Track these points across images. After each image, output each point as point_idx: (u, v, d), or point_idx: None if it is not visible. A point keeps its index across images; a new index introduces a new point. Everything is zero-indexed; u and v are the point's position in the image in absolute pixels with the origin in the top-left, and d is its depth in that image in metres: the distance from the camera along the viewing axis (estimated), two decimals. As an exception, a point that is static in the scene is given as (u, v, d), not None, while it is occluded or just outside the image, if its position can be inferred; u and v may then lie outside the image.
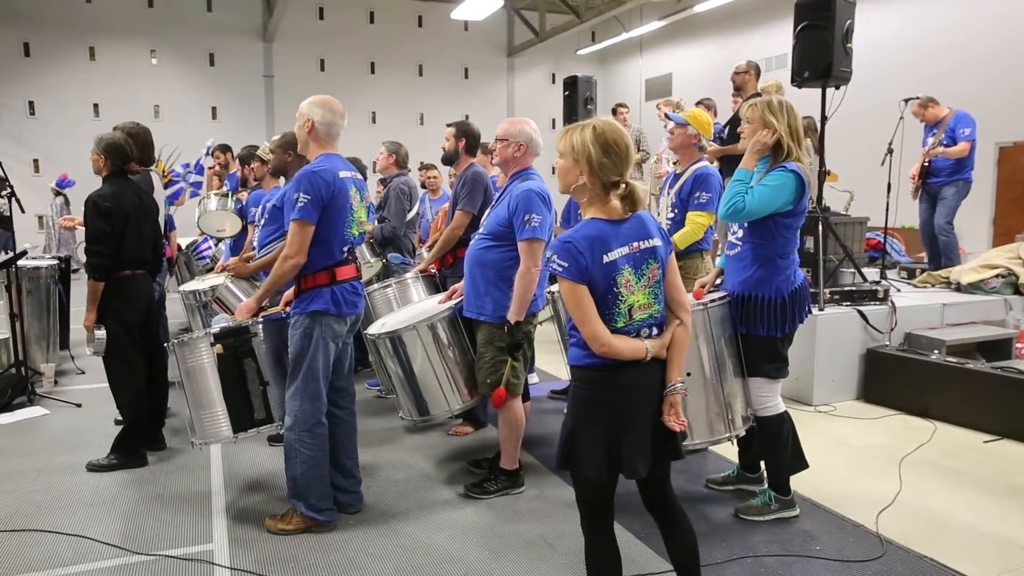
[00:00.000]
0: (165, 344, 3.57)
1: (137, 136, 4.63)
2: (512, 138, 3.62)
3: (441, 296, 4.01)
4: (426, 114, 17.10)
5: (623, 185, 2.21)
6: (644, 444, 2.27)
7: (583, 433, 2.26)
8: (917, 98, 6.67)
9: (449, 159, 4.71)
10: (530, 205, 3.44)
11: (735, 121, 6.18)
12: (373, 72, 16.92)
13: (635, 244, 2.22)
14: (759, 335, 3.23)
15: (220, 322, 3.55)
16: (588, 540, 2.38)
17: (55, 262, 6.39)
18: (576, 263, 2.15)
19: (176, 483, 3.93)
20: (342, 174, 3.24)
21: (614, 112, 9.29)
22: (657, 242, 2.28)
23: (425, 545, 3.20)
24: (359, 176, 3.45)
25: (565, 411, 2.36)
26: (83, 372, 6.25)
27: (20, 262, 5.58)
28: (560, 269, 2.16)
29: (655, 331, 2.29)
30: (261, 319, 3.47)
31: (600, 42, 16.99)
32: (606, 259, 2.17)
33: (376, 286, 4.85)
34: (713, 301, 3.25)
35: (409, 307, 4.34)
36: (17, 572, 3.00)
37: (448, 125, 4.78)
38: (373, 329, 3.85)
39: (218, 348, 3.36)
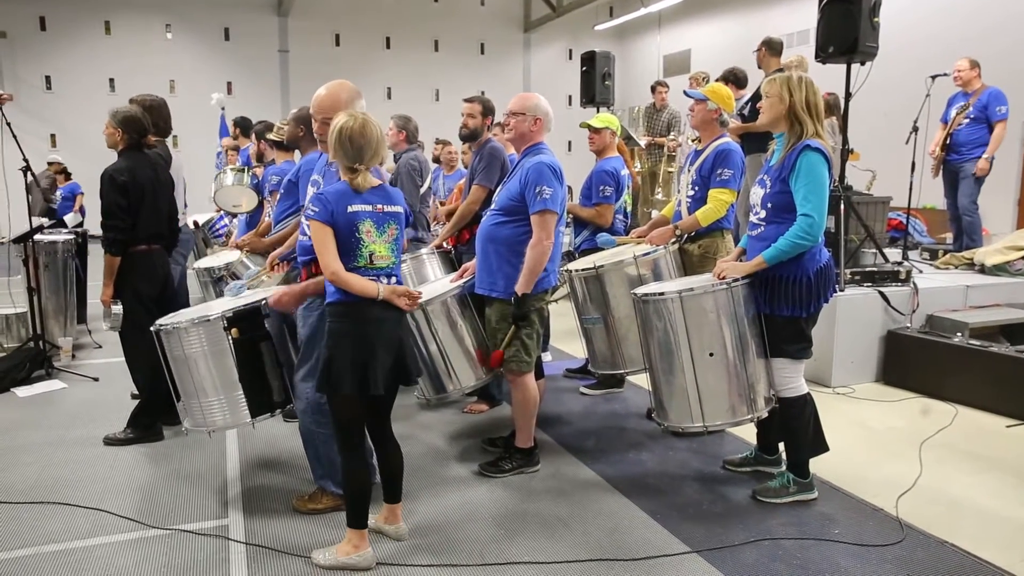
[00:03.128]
0: (151, 329, 3.36)
1: (154, 108, 4.63)
2: (528, 112, 3.57)
3: (453, 275, 3.98)
4: (441, 90, 16.99)
5: (356, 171, 2.72)
6: (384, 367, 2.73)
7: (337, 359, 2.69)
8: (945, 74, 6.49)
9: (475, 135, 4.65)
10: (541, 178, 3.40)
11: (757, 98, 6.07)
12: (388, 47, 16.80)
13: (379, 206, 2.75)
14: (783, 315, 3.17)
15: (234, 290, 3.45)
16: (345, 462, 2.83)
17: (72, 236, 6.41)
18: (325, 209, 2.66)
19: (192, 458, 3.95)
20: None
21: (653, 90, 9.11)
22: (399, 210, 2.84)
23: (439, 524, 3.19)
24: None
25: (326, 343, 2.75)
26: (100, 346, 6.29)
27: (37, 236, 5.60)
28: (312, 213, 2.68)
29: (392, 280, 2.79)
30: (265, 300, 3.40)
31: (618, 17, 16.76)
32: (350, 209, 2.68)
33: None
34: (736, 280, 3.19)
35: (421, 287, 4.31)
36: (36, 544, 3.03)
37: (467, 101, 4.69)
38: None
39: (234, 332, 3.24)
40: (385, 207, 2.77)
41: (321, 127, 3.15)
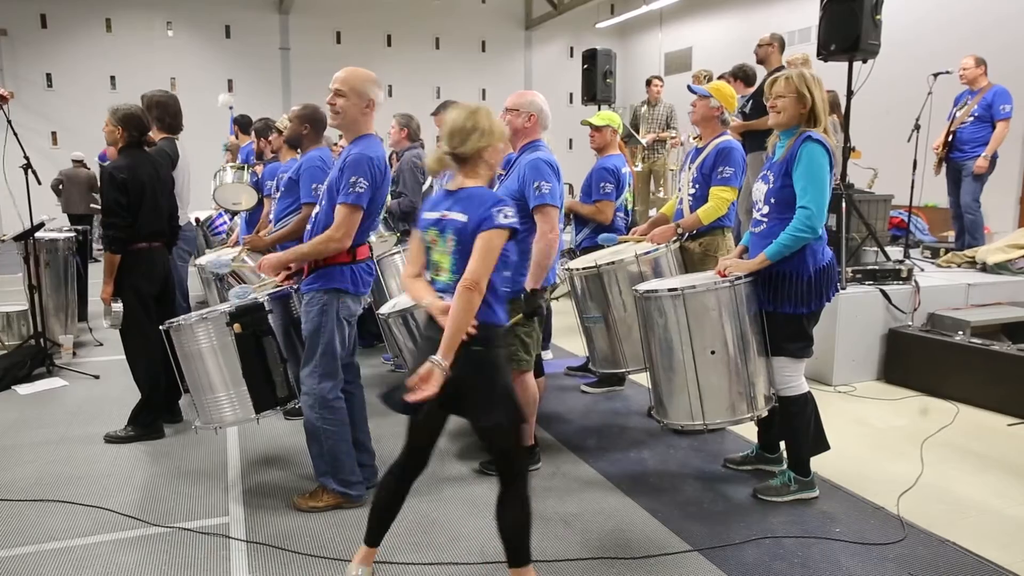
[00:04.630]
0: (160, 327, 3.47)
1: (165, 104, 4.66)
2: (523, 108, 3.56)
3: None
4: (443, 88, 16.94)
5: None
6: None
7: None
8: (948, 72, 6.48)
9: None
10: (538, 173, 3.40)
11: (759, 95, 6.05)
12: (390, 45, 16.78)
13: (445, 212, 2.44)
14: (785, 313, 3.16)
15: (237, 295, 3.47)
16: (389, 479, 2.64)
17: (72, 234, 6.40)
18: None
19: (193, 456, 3.94)
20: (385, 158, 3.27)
21: (648, 84, 9.14)
22: (458, 216, 2.40)
23: (440, 521, 3.19)
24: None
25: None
26: (101, 344, 6.28)
27: (38, 234, 5.59)
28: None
29: (450, 299, 2.41)
30: (268, 295, 3.42)
31: (619, 15, 16.74)
32: (424, 216, 2.51)
33: (384, 253, 4.83)
34: (739, 278, 3.19)
35: None
36: (37, 541, 3.03)
37: (434, 114, 4.80)
38: (385, 309, 3.83)
39: (236, 328, 3.28)
40: (448, 214, 2.43)
41: (355, 108, 3.15)
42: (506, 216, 2.35)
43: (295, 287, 3.49)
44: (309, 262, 3.21)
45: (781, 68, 6.23)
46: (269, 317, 3.40)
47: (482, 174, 2.48)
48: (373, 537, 2.65)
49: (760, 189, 3.27)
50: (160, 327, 3.47)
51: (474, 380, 2.40)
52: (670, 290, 3.23)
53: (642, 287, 3.41)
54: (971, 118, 6.48)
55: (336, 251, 3.13)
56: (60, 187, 12.00)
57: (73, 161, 12.28)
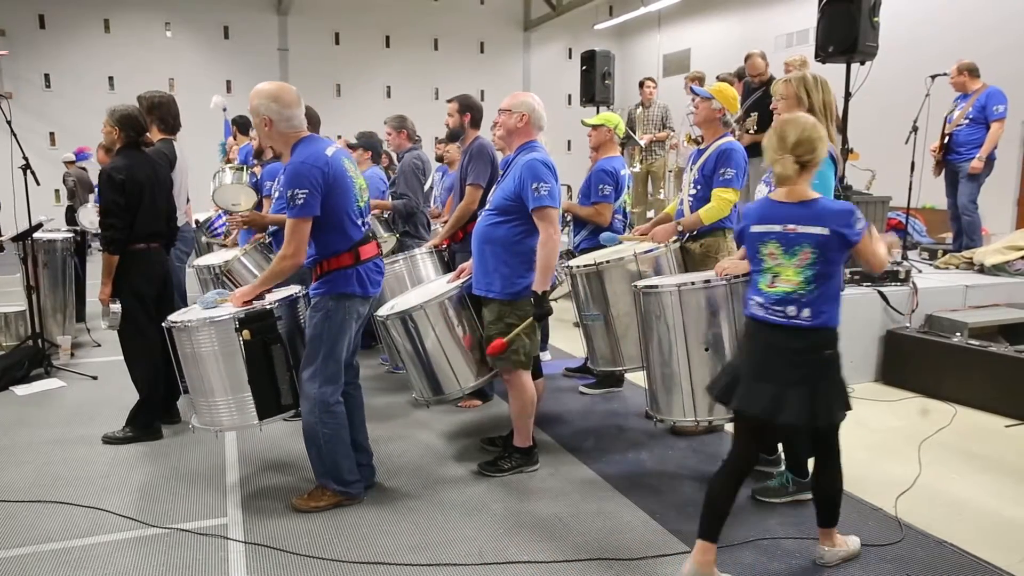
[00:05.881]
0: (163, 325, 3.40)
1: (162, 105, 4.65)
2: (515, 108, 3.57)
3: (450, 276, 3.99)
4: (441, 89, 16.94)
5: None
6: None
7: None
8: (945, 74, 6.49)
9: (455, 135, 4.74)
10: (537, 174, 3.40)
11: (764, 98, 6.08)
12: (388, 46, 16.77)
13: (790, 226, 2.49)
14: (783, 315, 3.17)
15: (205, 303, 3.40)
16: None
17: (71, 235, 6.40)
18: (737, 226, 2.74)
19: (191, 457, 3.94)
20: (329, 151, 3.12)
21: (641, 85, 9.14)
22: (815, 230, 2.47)
23: (438, 522, 3.19)
24: (343, 148, 3.38)
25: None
26: (99, 345, 6.28)
27: (36, 235, 5.59)
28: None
29: (793, 309, 2.56)
30: (276, 303, 3.37)
31: (618, 16, 16.73)
32: (753, 229, 2.59)
33: (385, 261, 4.83)
34: (737, 278, 3.20)
35: (417, 289, 4.32)
36: (34, 542, 3.03)
37: (448, 101, 4.76)
38: (383, 311, 3.83)
39: (245, 334, 3.22)
40: (800, 227, 2.50)
41: (259, 128, 3.20)
42: (861, 221, 2.53)
43: (304, 292, 3.47)
44: (317, 267, 3.20)
45: (772, 79, 6.27)
46: (279, 324, 3.32)
47: (808, 181, 2.58)
48: (709, 531, 2.70)
49: (762, 192, 3.27)
50: (162, 324, 3.41)
51: (828, 382, 2.66)
52: (667, 286, 3.24)
53: (641, 283, 3.44)
54: (966, 120, 6.50)
55: (292, 267, 3.11)
56: (75, 188, 12.02)
57: (65, 162, 12.29)
